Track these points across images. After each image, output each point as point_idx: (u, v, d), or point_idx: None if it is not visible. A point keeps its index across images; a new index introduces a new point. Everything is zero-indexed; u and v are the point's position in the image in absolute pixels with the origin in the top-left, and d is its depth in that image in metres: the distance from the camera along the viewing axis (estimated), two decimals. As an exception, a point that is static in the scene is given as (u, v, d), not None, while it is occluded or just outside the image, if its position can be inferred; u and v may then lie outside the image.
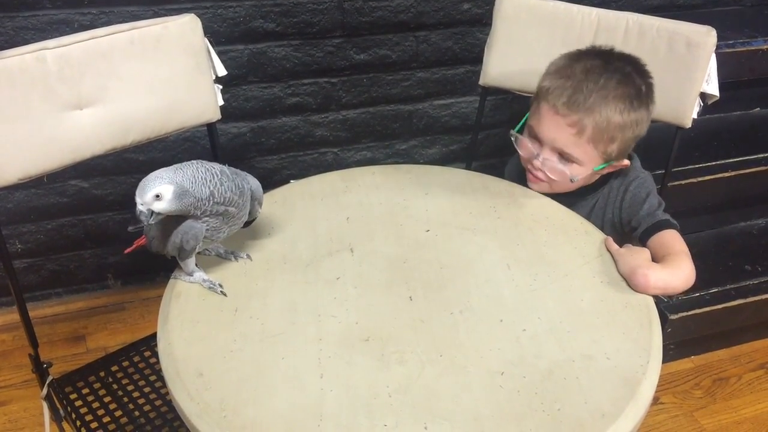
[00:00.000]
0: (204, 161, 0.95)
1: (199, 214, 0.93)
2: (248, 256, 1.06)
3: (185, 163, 0.93)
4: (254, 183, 1.01)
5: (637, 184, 1.24)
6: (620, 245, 1.09)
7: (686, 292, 1.68)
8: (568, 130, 1.17)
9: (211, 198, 0.92)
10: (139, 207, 0.90)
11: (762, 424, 1.69)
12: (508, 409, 0.82)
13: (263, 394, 0.83)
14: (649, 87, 1.20)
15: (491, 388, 0.84)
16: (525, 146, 1.24)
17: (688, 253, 1.10)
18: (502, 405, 0.82)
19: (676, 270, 1.06)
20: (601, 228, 1.24)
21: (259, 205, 1.04)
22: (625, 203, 1.24)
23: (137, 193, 0.90)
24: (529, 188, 1.26)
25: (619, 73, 1.17)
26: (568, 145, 1.18)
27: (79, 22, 1.58)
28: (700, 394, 1.77)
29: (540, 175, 1.23)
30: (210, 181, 0.92)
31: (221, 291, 0.99)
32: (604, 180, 1.27)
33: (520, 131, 1.27)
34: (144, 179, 0.90)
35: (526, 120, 1.27)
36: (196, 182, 0.91)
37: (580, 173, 1.20)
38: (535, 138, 1.22)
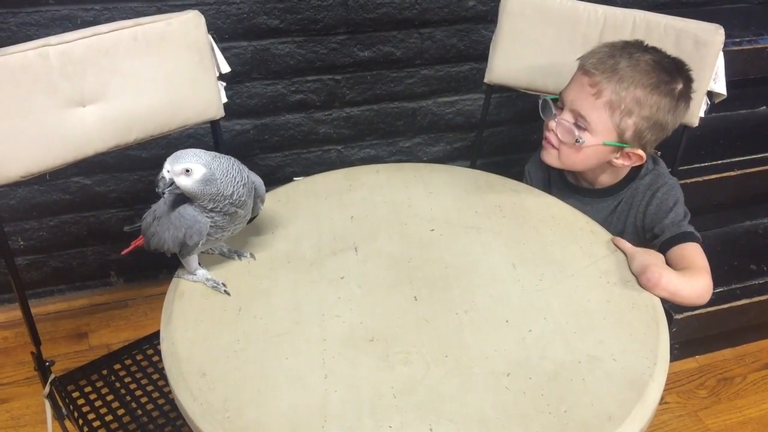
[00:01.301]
0: (237, 160, 0.95)
1: (210, 207, 0.93)
2: (252, 255, 1.05)
3: (222, 154, 0.94)
4: (257, 180, 1.01)
5: (665, 190, 1.21)
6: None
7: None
8: (588, 90, 1.16)
9: (230, 198, 0.93)
10: (165, 173, 0.89)
11: (767, 425, 1.68)
12: (513, 411, 0.81)
13: (267, 394, 0.83)
14: (686, 88, 1.18)
15: (497, 389, 0.84)
16: (547, 109, 1.23)
17: (709, 270, 1.08)
18: (507, 406, 0.82)
19: (690, 280, 1.04)
20: (621, 232, 1.24)
21: (261, 203, 1.03)
22: (650, 208, 1.21)
23: (169, 159, 0.89)
24: (542, 160, 1.26)
25: (658, 58, 1.17)
26: (585, 106, 1.16)
27: (82, 18, 1.58)
28: (704, 393, 1.76)
29: (552, 138, 1.21)
30: (237, 182, 0.93)
31: (225, 290, 0.98)
32: (626, 182, 1.25)
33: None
34: (181, 150, 0.90)
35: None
36: (225, 177, 0.91)
37: (589, 140, 1.17)
38: (560, 102, 1.22)
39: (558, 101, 1.23)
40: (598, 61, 1.16)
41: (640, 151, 1.19)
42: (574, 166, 1.24)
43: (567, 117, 1.19)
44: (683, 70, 1.19)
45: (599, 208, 1.26)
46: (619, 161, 1.21)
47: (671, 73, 1.16)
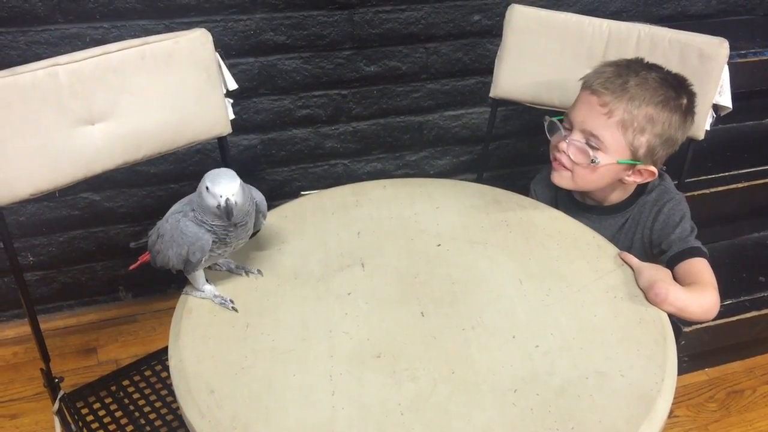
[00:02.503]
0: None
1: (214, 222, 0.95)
2: (259, 272, 1.05)
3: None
4: (258, 196, 1.02)
5: (671, 206, 1.21)
6: None
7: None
8: (598, 110, 1.16)
9: (248, 212, 0.95)
10: (230, 198, 0.90)
11: (777, 438, 1.67)
12: (521, 428, 0.81)
13: (274, 411, 0.83)
14: (690, 103, 1.19)
15: (504, 406, 0.84)
16: (555, 130, 1.23)
17: (716, 286, 1.08)
18: (515, 423, 0.82)
19: (698, 296, 1.04)
20: (629, 248, 1.24)
21: (263, 218, 1.04)
22: (657, 224, 1.21)
23: (221, 188, 0.90)
24: (553, 182, 1.25)
25: (663, 75, 1.18)
26: (597, 126, 1.16)
27: (90, 37, 1.59)
28: (714, 407, 1.75)
29: (564, 159, 1.21)
30: (246, 196, 0.95)
31: (232, 307, 0.99)
32: (634, 198, 1.25)
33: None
34: (214, 175, 0.91)
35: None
36: (245, 191, 0.94)
37: (603, 159, 1.17)
38: (568, 124, 1.22)
39: (563, 121, 1.23)
40: (606, 80, 1.16)
41: (653, 168, 1.19)
42: (589, 186, 1.23)
43: (578, 137, 1.19)
44: (686, 86, 1.20)
45: (607, 225, 1.26)
46: (631, 179, 1.21)
47: (677, 89, 1.17)
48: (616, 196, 1.26)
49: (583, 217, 1.25)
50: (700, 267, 1.12)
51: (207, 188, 0.91)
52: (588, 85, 1.19)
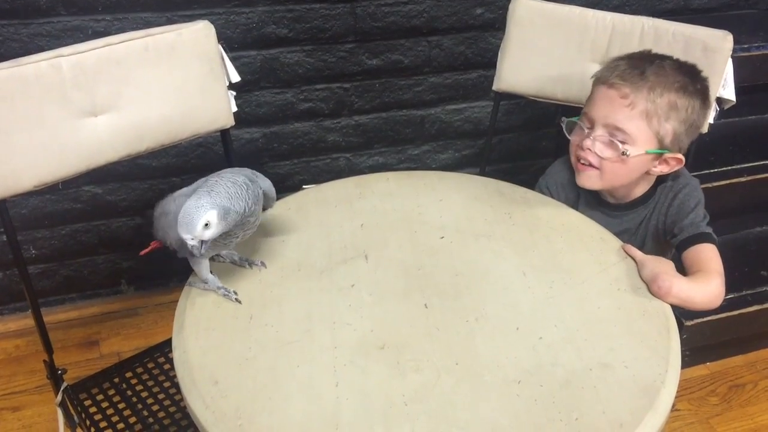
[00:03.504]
0: (223, 175, 0.96)
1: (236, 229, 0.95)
2: (263, 264, 1.05)
3: (209, 182, 0.94)
4: (265, 184, 1.01)
5: (687, 191, 1.20)
6: (656, 255, 1.08)
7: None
8: (620, 102, 1.14)
9: (246, 210, 0.94)
10: (190, 242, 0.90)
11: (779, 432, 1.67)
12: (525, 419, 0.81)
13: (279, 402, 0.83)
14: (706, 88, 1.18)
15: (508, 397, 0.84)
16: (576, 129, 1.21)
17: (722, 273, 1.08)
18: (519, 414, 0.82)
19: (702, 285, 1.05)
20: (644, 239, 1.25)
21: (272, 202, 1.04)
22: (672, 209, 1.21)
23: (183, 229, 0.89)
24: (580, 186, 1.23)
25: (676, 62, 1.18)
26: (621, 119, 1.14)
27: (93, 29, 1.59)
28: (715, 400, 1.75)
29: (591, 157, 1.18)
30: (241, 195, 0.93)
31: (236, 299, 0.99)
32: (654, 189, 1.25)
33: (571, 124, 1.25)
34: (183, 213, 0.89)
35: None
36: (232, 199, 0.92)
37: (633, 151, 1.15)
38: (588, 125, 1.19)
39: (579, 121, 1.22)
40: (623, 72, 1.15)
41: (680, 155, 1.18)
42: (619, 181, 1.21)
43: (601, 132, 1.17)
44: (699, 71, 1.19)
45: (629, 220, 1.26)
46: (658, 169, 1.19)
47: (692, 74, 1.17)
48: (640, 190, 1.25)
49: (605, 215, 1.26)
50: (708, 254, 1.12)
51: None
52: (604, 80, 1.17)
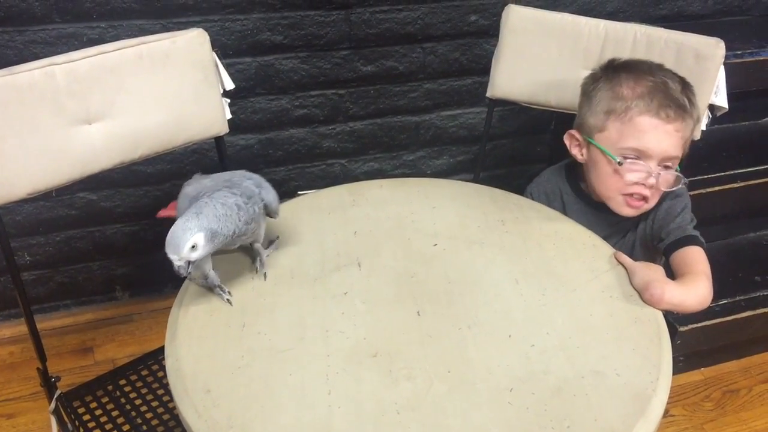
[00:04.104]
0: (215, 195, 0.95)
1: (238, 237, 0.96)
2: (229, 298, 1.02)
3: (198, 203, 0.94)
4: (269, 196, 1.01)
5: (674, 195, 1.21)
6: (646, 261, 1.09)
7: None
8: (675, 136, 1.15)
9: (236, 232, 0.94)
10: (177, 263, 0.90)
11: (773, 437, 1.68)
12: (517, 427, 0.81)
13: (271, 410, 0.83)
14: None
15: (500, 405, 0.84)
16: (638, 168, 1.16)
17: (710, 275, 1.09)
18: (511, 422, 0.82)
19: (692, 289, 1.05)
20: (632, 244, 1.25)
21: (275, 213, 1.05)
22: (659, 214, 1.22)
23: (170, 250, 0.90)
24: (622, 214, 1.21)
25: (671, 73, 1.20)
26: (677, 149, 1.16)
27: (87, 36, 1.59)
28: (710, 406, 1.75)
29: (650, 192, 1.17)
30: (231, 217, 0.93)
31: (228, 299, 0.99)
32: None
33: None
34: (170, 235, 0.90)
35: (600, 146, 1.20)
36: (220, 221, 0.92)
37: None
38: (636, 157, 1.16)
39: (620, 154, 1.17)
40: (669, 105, 1.14)
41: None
42: (653, 204, 1.21)
43: (658, 168, 1.16)
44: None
45: (620, 224, 1.26)
46: None
47: (688, 88, 1.21)
48: None
49: (595, 217, 1.26)
50: (695, 256, 1.12)
51: None
52: (653, 115, 1.14)
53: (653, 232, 1.22)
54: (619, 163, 1.16)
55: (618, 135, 1.17)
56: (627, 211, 1.21)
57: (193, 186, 1.02)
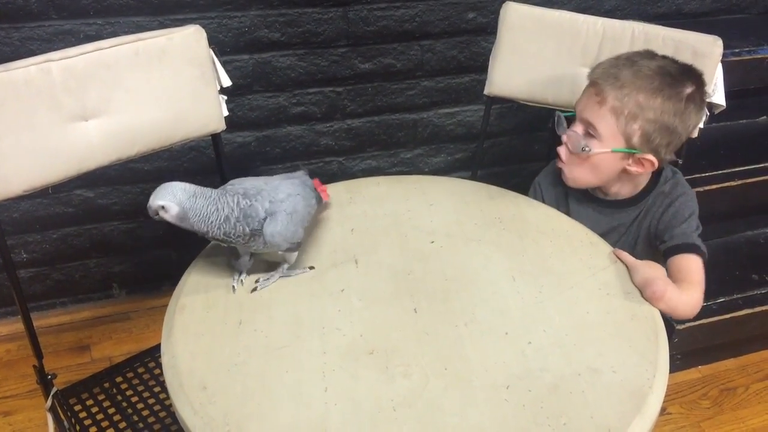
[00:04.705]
0: (236, 190, 0.98)
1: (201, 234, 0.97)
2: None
3: (208, 190, 0.96)
4: (268, 229, 0.98)
5: (683, 200, 1.21)
6: (647, 257, 1.09)
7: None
8: (594, 99, 1.17)
9: (207, 234, 0.96)
10: (150, 205, 0.94)
11: (770, 435, 1.68)
12: (513, 424, 0.81)
13: (267, 408, 0.83)
14: (696, 92, 1.18)
15: (497, 402, 0.84)
16: (561, 123, 1.24)
17: (703, 286, 1.10)
18: (507, 419, 0.82)
19: (686, 296, 1.06)
20: (635, 240, 1.25)
21: (276, 248, 1.01)
22: (666, 216, 1.21)
23: (154, 192, 0.94)
24: (567, 184, 1.26)
25: (663, 64, 1.18)
26: (592, 115, 1.17)
27: (84, 33, 1.59)
28: (707, 404, 1.75)
29: (562, 152, 1.22)
30: (211, 222, 0.94)
31: (233, 285, 1.02)
32: (647, 192, 1.25)
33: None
34: (166, 184, 0.94)
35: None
36: (197, 217, 0.94)
37: (596, 148, 1.18)
38: (575, 120, 1.22)
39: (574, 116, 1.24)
40: (603, 71, 1.18)
41: (651, 156, 1.18)
42: (587, 179, 1.23)
43: (577, 128, 1.20)
44: (693, 74, 1.19)
45: (619, 218, 1.26)
46: (633, 168, 1.20)
47: (676, 77, 1.16)
48: (627, 190, 1.25)
49: (596, 211, 1.26)
50: (693, 265, 1.12)
51: None
52: (589, 76, 1.20)
53: (657, 232, 1.22)
54: (556, 115, 1.24)
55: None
56: (562, 176, 1.25)
57: (252, 183, 1.03)
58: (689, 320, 1.71)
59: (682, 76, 1.17)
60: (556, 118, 1.25)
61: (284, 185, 1.04)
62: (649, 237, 1.24)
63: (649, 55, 1.20)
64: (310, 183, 1.11)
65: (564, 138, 1.22)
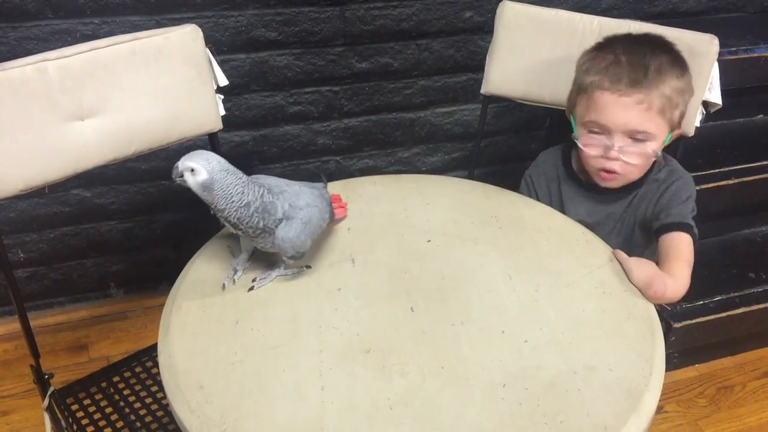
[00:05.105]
0: (263, 183, 0.99)
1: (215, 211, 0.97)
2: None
3: (240, 172, 0.97)
4: (281, 233, 0.98)
5: (681, 183, 1.22)
6: (644, 244, 1.09)
7: (690, 300, 1.69)
8: (637, 108, 1.15)
9: (223, 212, 0.95)
10: (178, 165, 0.93)
11: (767, 433, 1.68)
12: (509, 422, 0.81)
13: (264, 407, 0.83)
14: (679, 53, 1.20)
15: (493, 401, 0.84)
16: (594, 142, 1.20)
17: (692, 264, 1.10)
18: (504, 418, 0.82)
19: (681, 279, 1.07)
20: (632, 228, 1.26)
21: (284, 252, 1.01)
22: (663, 198, 1.22)
23: (186, 155, 0.93)
24: (603, 186, 1.25)
25: (655, 44, 1.19)
26: (642, 122, 1.16)
27: (81, 32, 1.59)
28: (704, 402, 1.76)
29: (616, 166, 1.19)
30: (233, 202, 0.94)
31: (224, 282, 1.02)
32: (643, 177, 1.25)
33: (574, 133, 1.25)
34: (201, 150, 0.95)
35: (574, 123, 1.25)
36: (222, 191, 0.94)
37: (657, 147, 1.18)
38: (599, 131, 1.19)
39: (585, 128, 1.21)
40: (629, 79, 1.15)
41: (679, 129, 1.22)
42: (635, 176, 1.23)
43: (623, 141, 1.18)
44: (663, 41, 1.21)
45: (614, 206, 1.27)
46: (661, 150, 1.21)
47: (669, 48, 1.19)
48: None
49: (591, 201, 1.27)
50: (684, 243, 1.14)
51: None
52: (611, 89, 1.16)
53: (654, 212, 1.22)
54: (576, 138, 1.21)
55: (584, 110, 1.21)
56: (606, 184, 1.24)
57: (275, 182, 1.04)
58: (686, 319, 1.71)
59: (667, 45, 1.20)
60: (578, 141, 1.22)
61: (305, 193, 1.04)
62: (645, 223, 1.25)
63: (630, 39, 1.22)
64: (327, 197, 1.10)
65: (613, 154, 1.18)
